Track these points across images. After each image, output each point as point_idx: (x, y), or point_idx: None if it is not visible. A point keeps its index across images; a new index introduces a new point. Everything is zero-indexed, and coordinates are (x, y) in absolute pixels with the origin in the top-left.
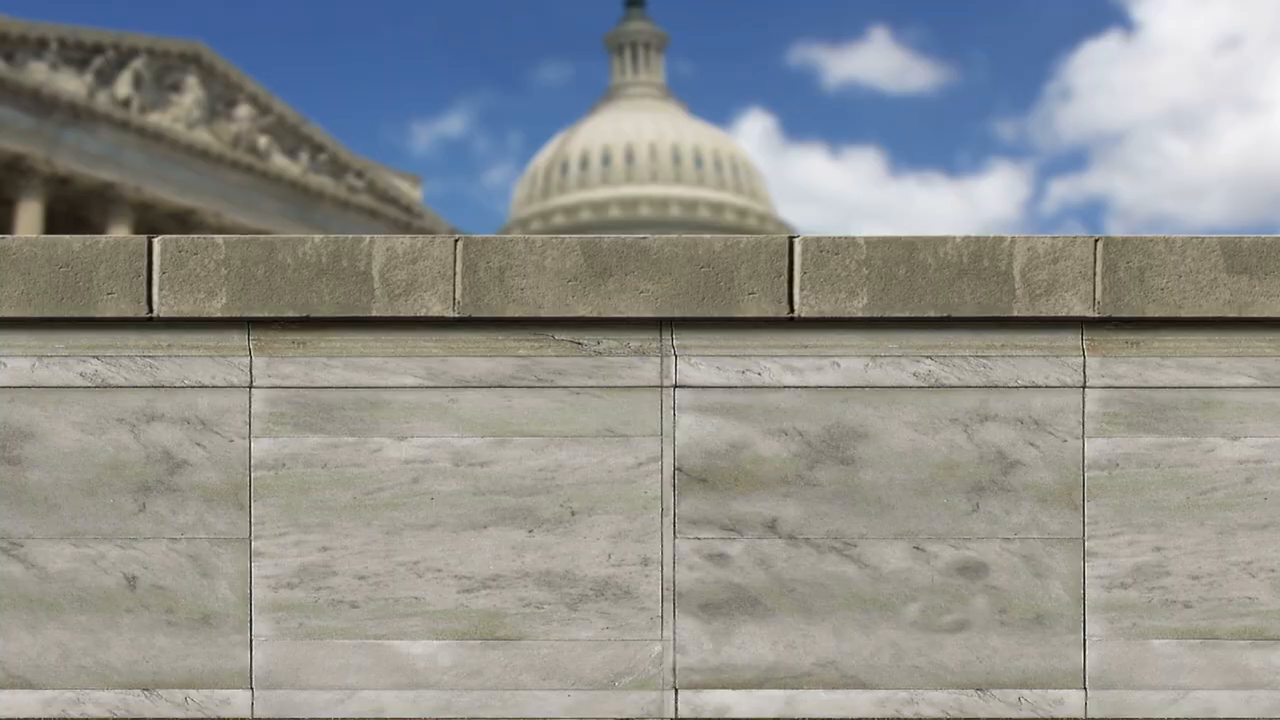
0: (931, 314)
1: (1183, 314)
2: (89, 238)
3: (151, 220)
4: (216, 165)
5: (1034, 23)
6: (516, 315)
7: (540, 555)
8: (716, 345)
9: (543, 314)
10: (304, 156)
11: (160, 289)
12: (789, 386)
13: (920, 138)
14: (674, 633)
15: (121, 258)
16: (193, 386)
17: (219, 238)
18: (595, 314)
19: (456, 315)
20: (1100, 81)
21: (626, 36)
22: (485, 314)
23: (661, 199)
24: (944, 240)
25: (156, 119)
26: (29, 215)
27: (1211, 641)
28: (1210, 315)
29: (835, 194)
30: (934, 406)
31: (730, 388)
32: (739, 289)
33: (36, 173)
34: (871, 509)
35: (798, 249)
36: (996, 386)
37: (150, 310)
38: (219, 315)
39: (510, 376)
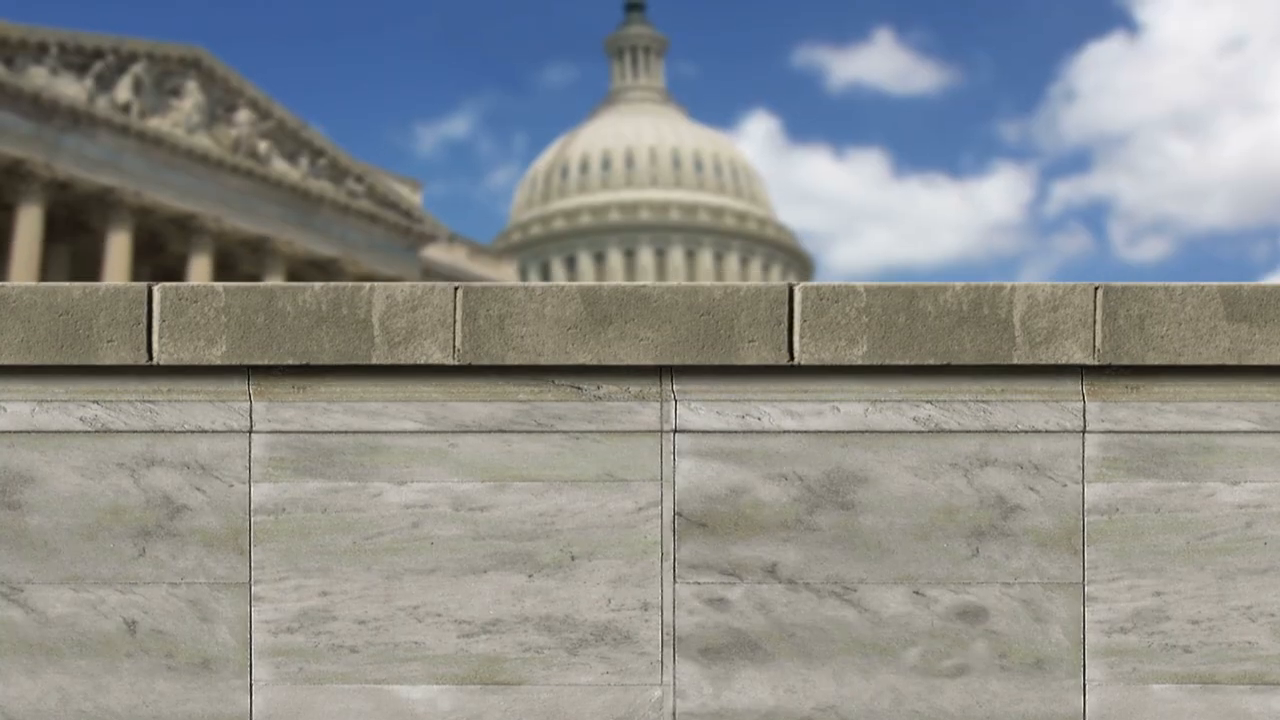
0: (931, 362)
1: (1182, 361)
2: (89, 286)
3: (151, 225)
4: (216, 170)
5: (1038, 25)
6: (517, 363)
7: (540, 600)
8: (716, 390)
9: (543, 361)
10: (304, 161)
11: (160, 336)
12: (789, 431)
13: (924, 139)
14: (674, 677)
15: (121, 305)
16: (192, 431)
17: (219, 286)
18: (595, 361)
19: (457, 363)
20: (1104, 83)
21: (626, 41)
22: (485, 361)
23: (661, 203)
24: (944, 288)
25: (156, 124)
26: (29, 220)
27: (1211, 686)
28: (1210, 363)
29: (839, 196)
30: (934, 451)
31: (730, 432)
32: (739, 336)
33: (36, 177)
34: (871, 553)
35: (797, 297)
36: (996, 431)
37: (150, 358)
38: (219, 363)
39: (510, 421)
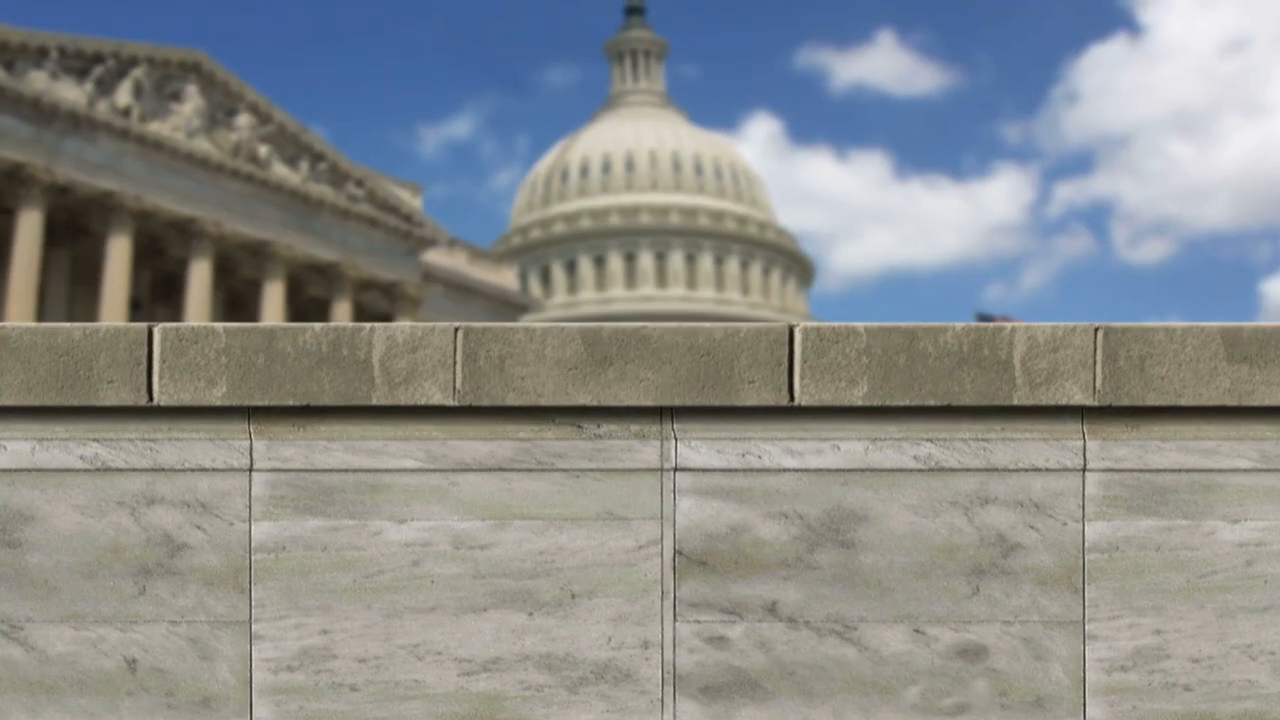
0: (932, 403)
1: (1183, 402)
2: (89, 327)
3: (151, 229)
4: (216, 174)
5: (1040, 26)
6: (517, 404)
7: (540, 638)
8: (717, 428)
9: (543, 402)
10: (304, 165)
11: (160, 377)
12: (789, 469)
13: (926, 141)
14: (674, 715)
15: (122, 346)
16: (193, 470)
17: (219, 326)
18: (595, 402)
19: (457, 404)
20: (1106, 85)
21: (626, 45)
22: (486, 402)
23: (662, 207)
24: (944, 329)
25: (157, 128)
26: (29, 224)
27: None
28: (1210, 404)
29: (841, 197)
30: (934, 489)
31: (730, 470)
32: (739, 377)
33: (36, 181)
34: (872, 592)
35: (798, 338)
36: (997, 469)
37: (150, 399)
38: (219, 404)
39: (510, 459)
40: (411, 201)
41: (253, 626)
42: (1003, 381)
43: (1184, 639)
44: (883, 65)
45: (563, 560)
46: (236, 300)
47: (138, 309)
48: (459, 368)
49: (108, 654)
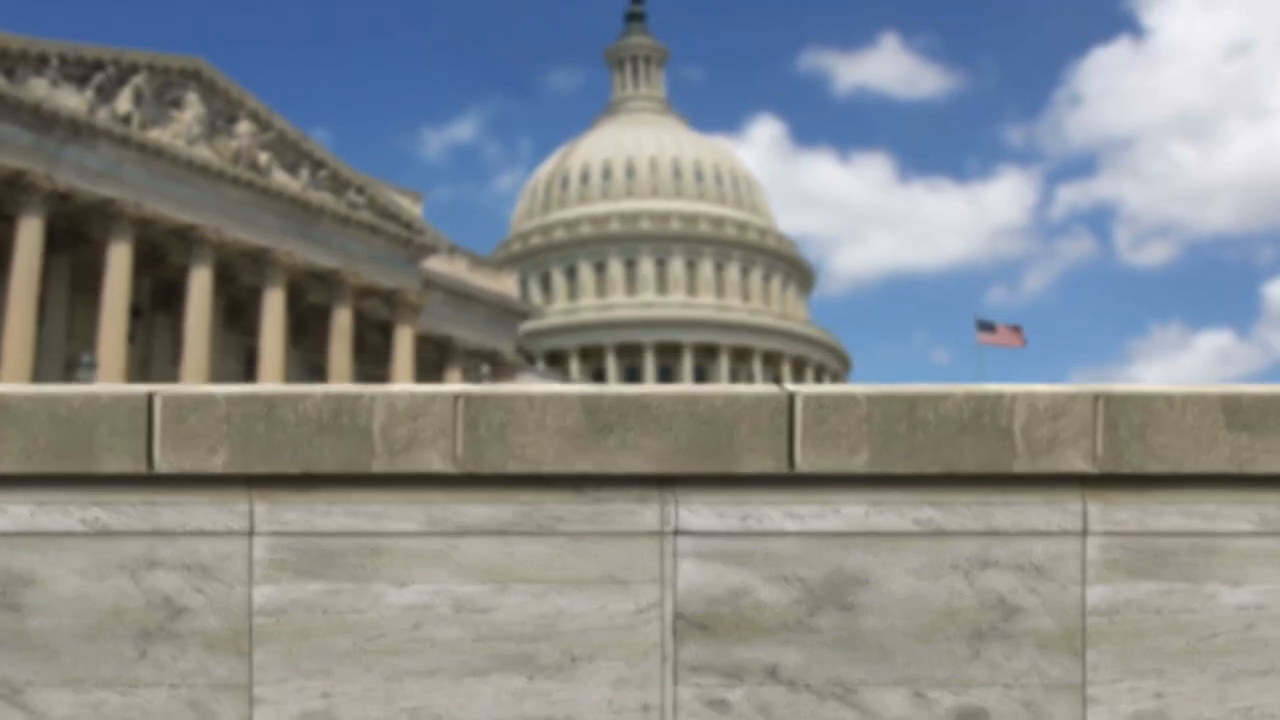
0: (932, 470)
1: (1184, 470)
2: (89, 394)
3: (152, 236)
4: (217, 181)
5: (1043, 29)
6: (518, 471)
7: (541, 702)
8: (717, 494)
9: (543, 469)
10: (304, 172)
11: (161, 445)
12: (790, 533)
13: (929, 143)
14: None
15: (122, 414)
16: (193, 533)
17: (220, 393)
18: (596, 469)
19: (458, 471)
20: (1109, 87)
21: (626, 51)
22: (486, 470)
23: (662, 213)
24: (944, 396)
25: (157, 135)
26: (29, 232)
27: None
28: (1211, 471)
29: (844, 200)
30: (935, 553)
31: (731, 534)
32: (740, 445)
33: (37, 189)
34: (872, 655)
35: (798, 406)
36: (997, 533)
37: (151, 467)
38: (220, 471)
39: (511, 523)
40: (412, 209)
41: (253, 690)
42: (1003, 449)
43: (1185, 702)
44: (886, 68)
45: (563, 624)
46: (237, 307)
47: (138, 316)
48: (460, 435)
49: (109, 717)
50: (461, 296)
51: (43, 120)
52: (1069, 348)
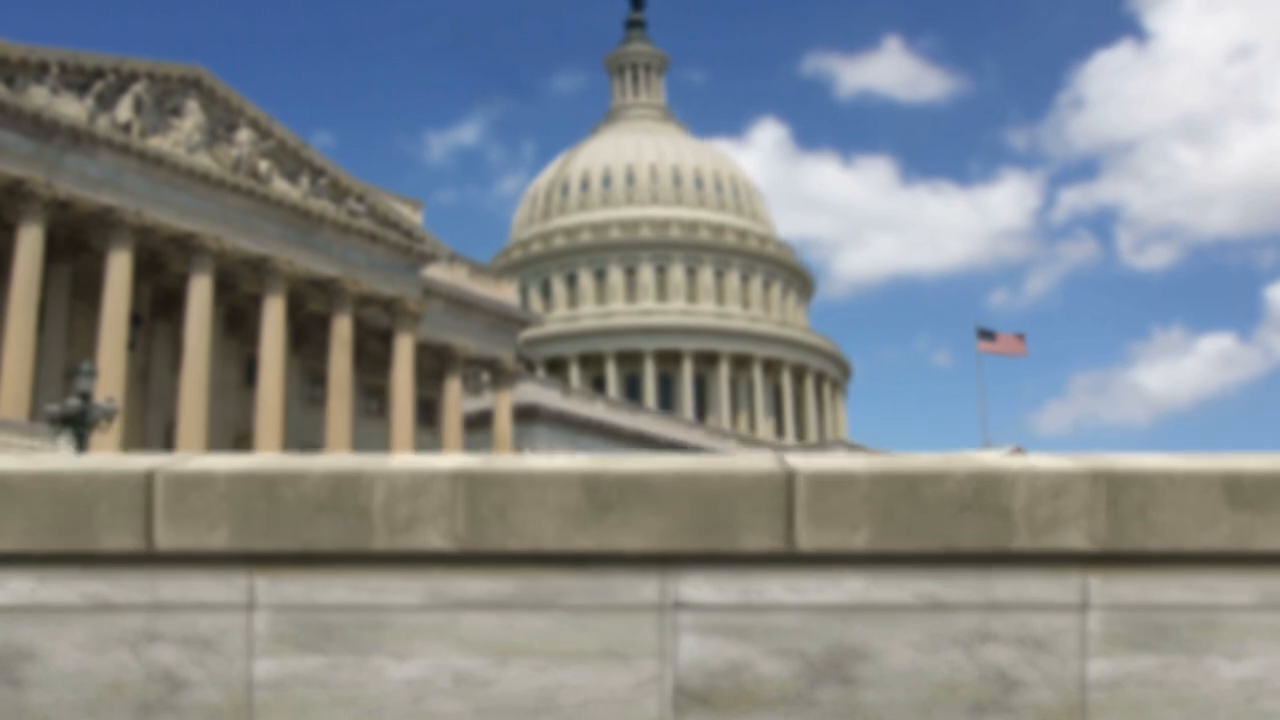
0: (933, 548)
1: (1184, 547)
2: (90, 472)
3: (152, 244)
4: (217, 189)
5: (1047, 32)
6: (518, 549)
7: None
8: (718, 570)
9: (543, 547)
10: (304, 180)
11: (161, 524)
12: (790, 606)
13: (932, 147)
14: None
15: (123, 493)
16: (194, 607)
17: (220, 471)
18: (597, 548)
19: (458, 550)
20: (1113, 91)
21: (626, 59)
22: (486, 547)
23: (662, 220)
24: (945, 476)
25: (157, 143)
26: (29, 240)
27: None
28: (1211, 549)
29: (846, 203)
30: (935, 626)
31: (731, 608)
32: (740, 524)
33: (37, 197)
34: None
35: (798, 485)
36: (998, 607)
37: (152, 545)
38: (221, 549)
39: (511, 597)
40: (412, 217)
41: None
42: (1004, 528)
43: None
44: (889, 71)
45: (564, 697)
46: (237, 315)
47: (138, 324)
48: (460, 514)
49: None
50: (461, 304)
51: (43, 128)
52: (1071, 351)
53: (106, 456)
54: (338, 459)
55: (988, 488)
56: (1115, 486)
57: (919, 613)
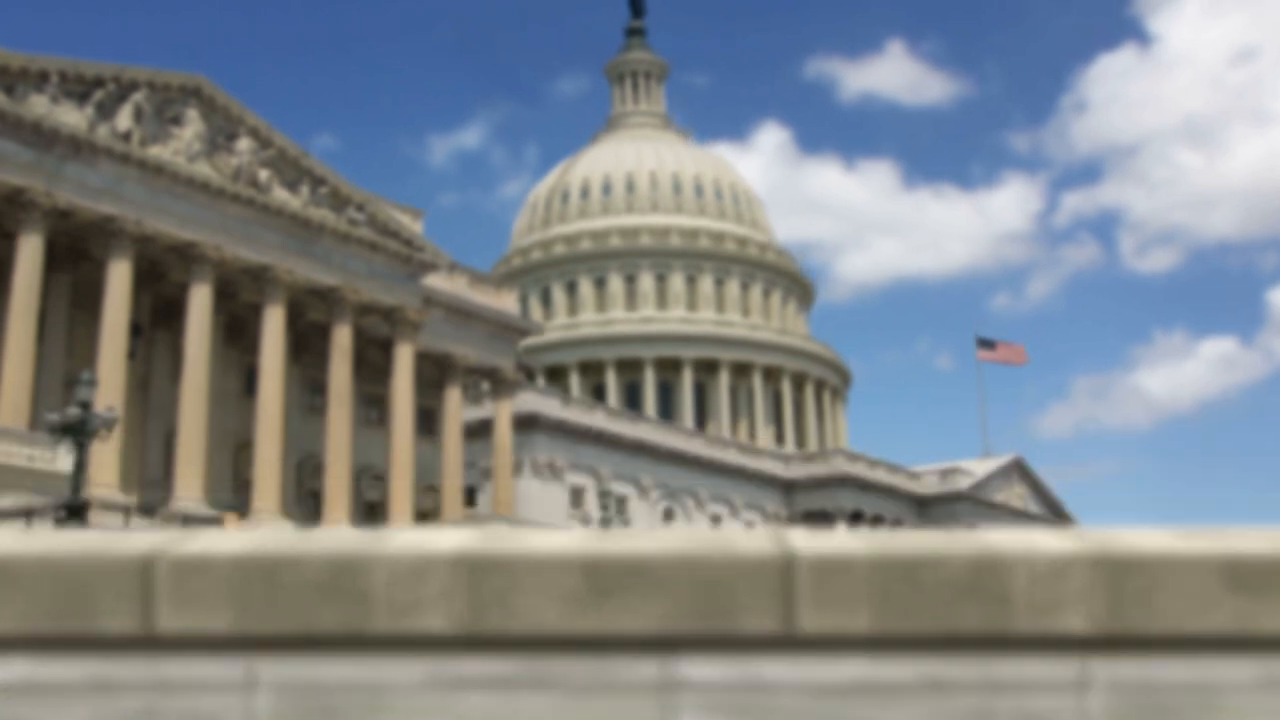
0: (933, 632)
1: (1184, 630)
2: (90, 554)
3: (152, 253)
4: (217, 198)
5: (1049, 36)
6: (519, 633)
7: None
8: (717, 647)
9: (544, 630)
10: (304, 189)
11: (162, 609)
12: (790, 686)
13: (935, 150)
14: None
15: (124, 577)
16: (195, 687)
17: (223, 554)
18: (596, 632)
19: (459, 633)
20: (1115, 94)
21: (626, 67)
22: (488, 631)
23: (662, 228)
24: (944, 561)
25: (157, 152)
26: (29, 249)
27: None
28: (1212, 632)
29: (849, 207)
30: (935, 705)
31: (731, 688)
32: (740, 608)
33: (37, 206)
34: None
35: (799, 569)
36: (998, 686)
37: (152, 629)
38: (222, 632)
39: (511, 677)
40: (412, 225)
41: None
42: (1003, 612)
43: None
44: (892, 75)
45: None
46: (237, 325)
47: (138, 334)
48: (460, 599)
49: None
50: (462, 313)
51: (43, 137)
52: (1072, 354)
53: (105, 536)
54: (338, 539)
55: (986, 572)
56: (1115, 571)
57: (919, 691)
